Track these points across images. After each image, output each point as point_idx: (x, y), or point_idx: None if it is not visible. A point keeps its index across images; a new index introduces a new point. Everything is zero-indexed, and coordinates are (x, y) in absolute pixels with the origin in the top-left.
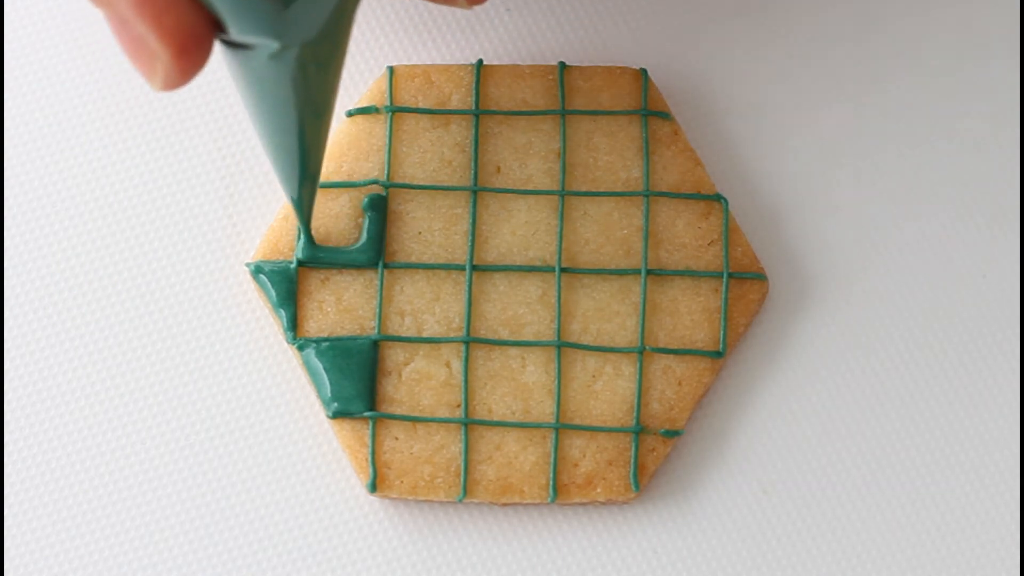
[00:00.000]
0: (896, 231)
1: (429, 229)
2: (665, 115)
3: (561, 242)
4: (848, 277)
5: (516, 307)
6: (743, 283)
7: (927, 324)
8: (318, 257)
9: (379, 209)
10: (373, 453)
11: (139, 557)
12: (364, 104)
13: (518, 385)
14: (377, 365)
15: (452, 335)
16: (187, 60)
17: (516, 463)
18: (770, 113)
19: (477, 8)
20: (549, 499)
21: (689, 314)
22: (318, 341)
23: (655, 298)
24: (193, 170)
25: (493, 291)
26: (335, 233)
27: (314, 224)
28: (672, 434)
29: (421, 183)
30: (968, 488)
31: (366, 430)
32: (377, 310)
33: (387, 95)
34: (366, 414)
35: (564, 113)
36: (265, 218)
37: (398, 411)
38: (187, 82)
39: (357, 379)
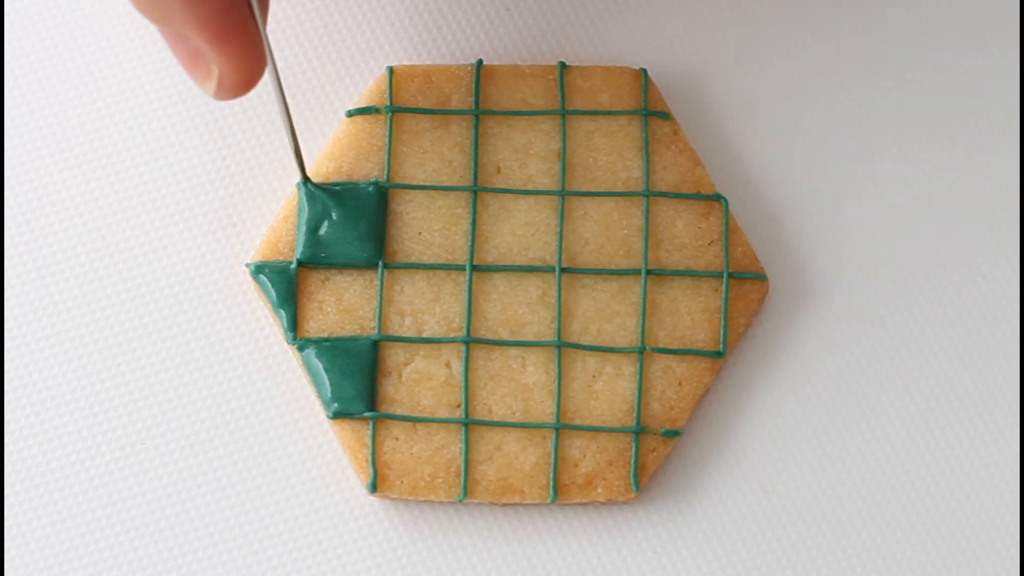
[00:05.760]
0: (896, 231)
1: (429, 229)
2: (665, 115)
3: (561, 242)
4: (848, 277)
5: (516, 307)
6: (743, 283)
7: (927, 324)
8: (318, 257)
9: (379, 209)
10: (373, 453)
11: (139, 557)
12: (364, 104)
13: (518, 385)
14: (377, 365)
15: (452, 335)
16: (249, 72)
17: (516, 463)
18: (770, 113)
19: (477, 8)
20: (549, 499)
21: (689, 314)
22: (318, 341)
23: (655, 298)
24: (193, 170)
25: (493, 291)
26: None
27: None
28: (672, 434)
29: (421, 183)
30: (968, 488)
31: (366, 430)
32: (377, 310)
33: (387, 95)
34: (366, 414)
35: (564, 113)
36: (265, 218)
37: (398, 411)
38: (246, 92)
39: (357, 379)
